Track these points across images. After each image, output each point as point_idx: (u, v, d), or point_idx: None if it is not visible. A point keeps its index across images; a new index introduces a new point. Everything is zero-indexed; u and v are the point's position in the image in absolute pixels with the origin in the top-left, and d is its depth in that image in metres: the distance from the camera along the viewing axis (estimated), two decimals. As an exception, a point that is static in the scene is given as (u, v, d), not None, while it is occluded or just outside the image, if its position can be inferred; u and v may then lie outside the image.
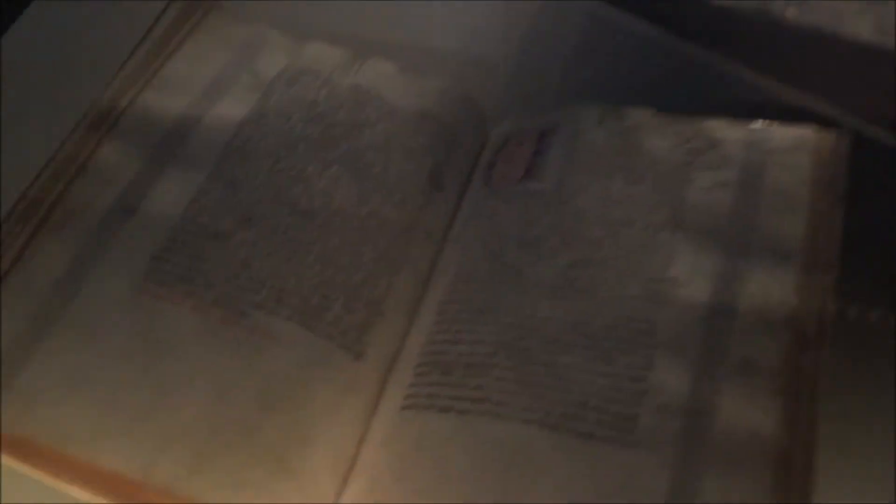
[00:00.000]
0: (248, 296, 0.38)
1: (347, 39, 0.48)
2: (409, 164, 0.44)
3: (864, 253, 0.41)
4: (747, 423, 0.33)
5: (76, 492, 0.34)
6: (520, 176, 0.43)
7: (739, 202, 0.40)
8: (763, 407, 0.34)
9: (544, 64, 0.53)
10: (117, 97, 0.43)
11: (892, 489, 0.36)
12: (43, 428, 0.34)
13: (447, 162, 0.45)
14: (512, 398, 0.35)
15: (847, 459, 0.36)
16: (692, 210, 0.40)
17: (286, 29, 0.48)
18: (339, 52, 0.47)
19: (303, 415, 0.36)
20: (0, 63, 0.47)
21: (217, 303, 0.38)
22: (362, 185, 0.42)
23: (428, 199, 0.43)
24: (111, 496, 0.34)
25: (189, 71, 0.45)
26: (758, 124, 0.42)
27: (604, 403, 0.34)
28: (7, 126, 0.45)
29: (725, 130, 0.42)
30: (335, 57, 0.47)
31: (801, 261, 0.37)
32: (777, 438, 0.33)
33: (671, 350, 0.35)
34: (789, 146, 0.41)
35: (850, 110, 0.49)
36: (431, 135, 0.45)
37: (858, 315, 0.40)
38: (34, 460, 0.34)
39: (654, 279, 0.38)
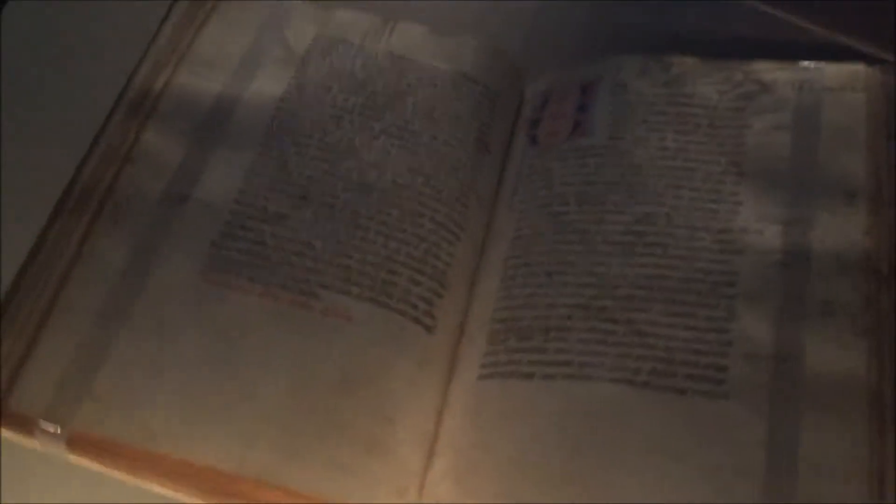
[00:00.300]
0: (315, 276, 0.37)
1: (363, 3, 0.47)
2: (457, 129, 0.43)
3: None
4: (835, 365, 0.34)
5: (167, 490, 0.34)
6: (568, 132, 0.43)
7: (798, 144, 0.39)
8: (849, 348, 0.34)
9: (568, 13, 0.52)
10: (151, 79, 0.42)
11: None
12: (127, 427, 0.34)
13: (491, 123, 0.44)
14: (597, 359, 0.35)
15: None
16: (752, 156, 0.39)
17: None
18: (368, 18, 0.46)
19: (385, 392, 0.36)
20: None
21: (285, 286, 0.37)
22: (413, 154, 0.41)
23: (477, 163, 0.43)
24: (205, 491, 0.33)
25: (219, 47, 0.43)
26: (806, 64, 0.42)
27: (691, 357, 0.34)
28: (34, 112, 0.43)
29: (774, 72, 0.42)
30: (364, 23, 0.46)
31: (867, 199, 0.37)
32: (866, 379, 0.33)
33: (751, 299, 0.35)
34: (843, 84, 0.41)
35: (877, 44, 0.48)
36: (473, 97, 0.44)
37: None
38: (119, 461, 0.34)
39: (724, 229, 0.37)
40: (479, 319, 0.39)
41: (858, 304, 0.35)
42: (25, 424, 0.33)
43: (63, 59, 0.45)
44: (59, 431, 0.33)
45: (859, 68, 0.41)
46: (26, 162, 0.41)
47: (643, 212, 0.39)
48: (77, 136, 0.41)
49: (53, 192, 0.39)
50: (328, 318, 0.37)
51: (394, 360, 0.36)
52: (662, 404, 0.34)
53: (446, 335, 0.38)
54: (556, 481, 0.33)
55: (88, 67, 0.45)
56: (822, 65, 0.42)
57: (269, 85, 0.42)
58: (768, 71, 0.42)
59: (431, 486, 0.35)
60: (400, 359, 0.37)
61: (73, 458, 0.34)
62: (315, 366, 0.35)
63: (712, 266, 0.36)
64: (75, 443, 0.34)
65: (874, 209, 0.37)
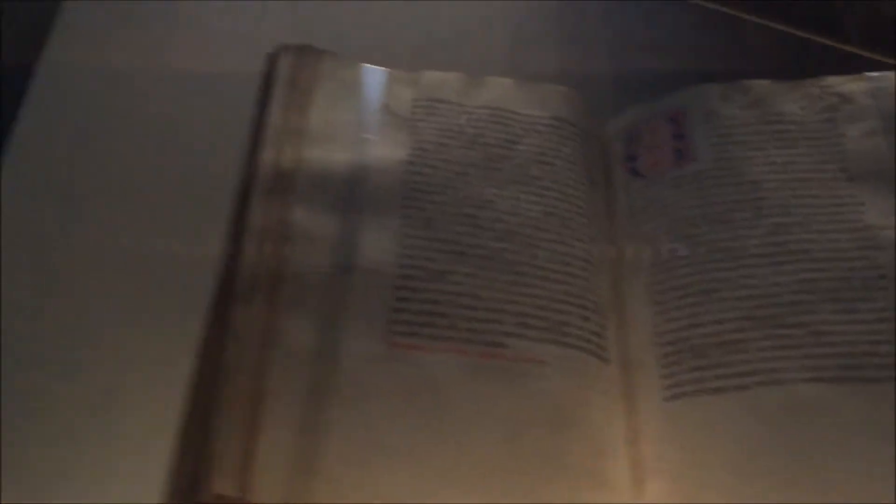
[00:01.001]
0: (494, 326, 0.38)
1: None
2: (570, 169, 0.45)
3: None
4: None
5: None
6: (672, 161, 0.45)
7: (894, 145, 0.43)
8: None
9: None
10: (277, 158, 0.42)
11: None
12: (365, 501, 0.33)
13: (591, 161, 0.46)
14: (783, 363, 0.37)
15: None
16: (855, 160, 0.43)
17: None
18: (454, 76, 0.48)
19: (590, 427, 0.37)
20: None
21: (470, 340, 0.38)
22: (542, 198, 0.43)
23: (592, 199, 0.44)
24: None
25: (332, 121, 0.44)
26: (870, 74, 0.46)
27: (870, 347, 0.37)
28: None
29: (846, 85, 0.46)
30: (453, 81, 0.47)
31: (970, 186, 0.41)
32: None
33: (905, 287, 0.38)
34: (911, 89, 0.45)
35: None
36: (572, 137, 0.46)
37: None
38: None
39: (856, 228, 0.41)
40: (639, 346, 0.40)
41: None
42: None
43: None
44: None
45: (915, 74, 0.46)
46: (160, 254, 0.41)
47: (774, 223, 0.41)
48: (203, 221, 0.41)
49: (203, 279, 0.39)
50: (521, 364, 0.37)
51: (588, 395, 0.37)
52: (860, 395, 0.36)
53: (618, 364, 0.40)
54: (782, 485, 0.35)
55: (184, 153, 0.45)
56: (883, 74, 0.46)
57: (390, 150, 0.43)
58: (840, 84, 0.46)
59: (654, 511, 0.36)
60: (593, 393, 0.38)
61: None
62: (523, 410, 0.36)
63: (858, 263, 0.39)
64: (314, 528, 0.33)
65: (976, 195, 0.41)
